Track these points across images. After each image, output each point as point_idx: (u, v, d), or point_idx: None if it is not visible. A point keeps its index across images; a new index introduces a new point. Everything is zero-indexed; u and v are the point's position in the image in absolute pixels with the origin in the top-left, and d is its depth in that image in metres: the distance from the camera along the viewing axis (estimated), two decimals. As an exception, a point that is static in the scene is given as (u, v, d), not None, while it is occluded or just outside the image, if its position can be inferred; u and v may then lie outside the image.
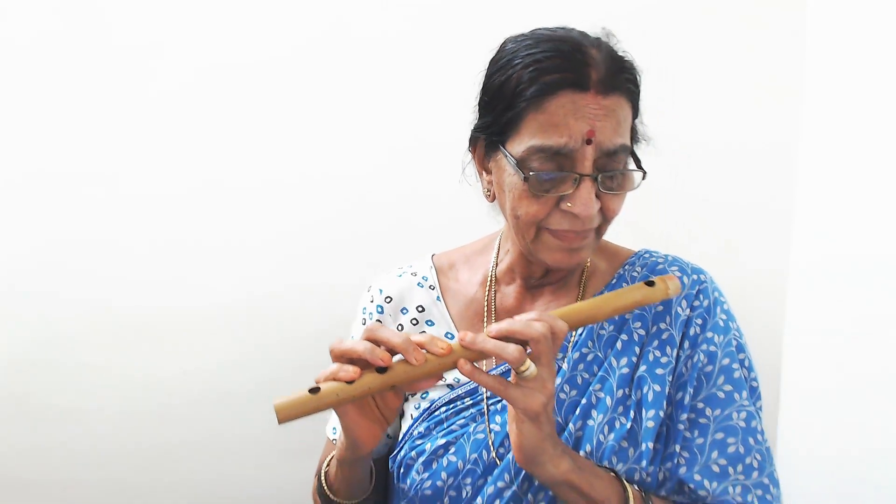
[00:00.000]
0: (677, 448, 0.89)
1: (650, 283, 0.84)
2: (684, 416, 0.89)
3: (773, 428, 1.67)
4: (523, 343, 0.76)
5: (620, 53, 0.87)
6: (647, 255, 0.99)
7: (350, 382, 0.76)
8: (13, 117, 1.60)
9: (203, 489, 1.74)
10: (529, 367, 0.75)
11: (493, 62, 0.90)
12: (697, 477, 0.88)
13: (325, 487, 0.95)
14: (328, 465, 0.97)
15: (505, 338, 0.76)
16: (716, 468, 0.88)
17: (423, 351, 0.77)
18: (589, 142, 0.81)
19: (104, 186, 1.62)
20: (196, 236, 1.66)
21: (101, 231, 1.64)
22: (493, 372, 0.95)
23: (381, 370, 0.77)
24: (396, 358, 0.78)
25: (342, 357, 0.78)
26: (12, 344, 1.66)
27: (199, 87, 1.61)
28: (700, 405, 0.90)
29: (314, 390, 0.76)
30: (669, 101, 1.59)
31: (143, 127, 1.62)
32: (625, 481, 0.85)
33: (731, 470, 0.88)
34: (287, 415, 0.76)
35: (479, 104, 0.91)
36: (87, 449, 1.70)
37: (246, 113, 1.63)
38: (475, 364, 0.77)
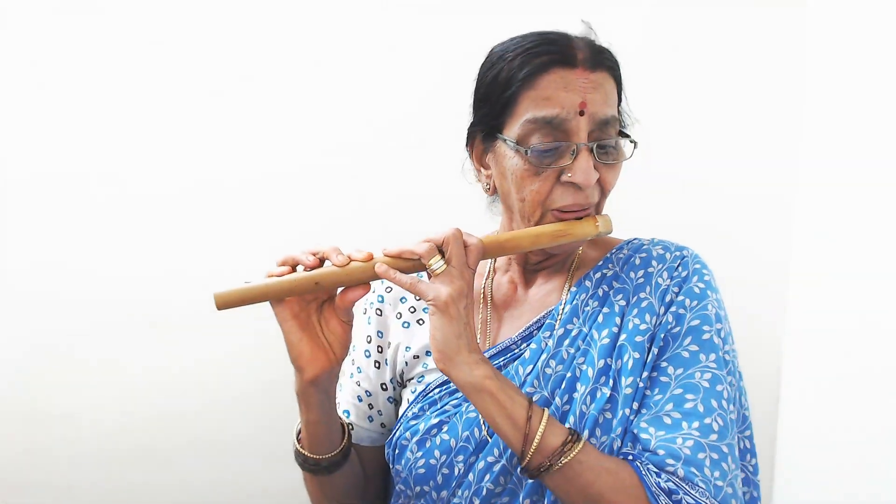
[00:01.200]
0: (635, 405, 0.88)
1: (578, 217, 0.90)
2: (645, 375, 0.89)
3: (773, 427, 1.67)
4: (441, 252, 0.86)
5: (598, 41, 0.94)
6: (634, 241, 1.01)
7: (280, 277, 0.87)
8: (13, 118, 1.62)
9: (203, 489, 1.74)
10: (438, 261, 0.85)
11: (483, 65, 0.96)
12: (643, 425, 0.86)
13: (295, 439, 0.98)
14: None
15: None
16: (667, 420, 0.86)
17: (348, 258, 0.87)
18: (582, 113, 0.87)
19: (104, 186, 1.64)
20: (196, 236, 1.67)
21: (101, 231, 1.65)
22: (492, 350, 0.98)
23: (309, 271, 0.88)
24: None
25: (283, 265, 0.88)
26: (12, 344, 1.67)
27: (200, 86, 1.64)
28: (664, 364, 0.89)
29: (248, 282, 0.87)
30: (671, 102, 1.60)
31: (141, 126, 1.64)
32: (539, 407, 0.85)
33: (684, 424, 0.85)
34: (224, 301, 0.86)
35: (474, 101, 0.97)
36: (88, 449, 1.71)
37: (245, 112, 1.65)
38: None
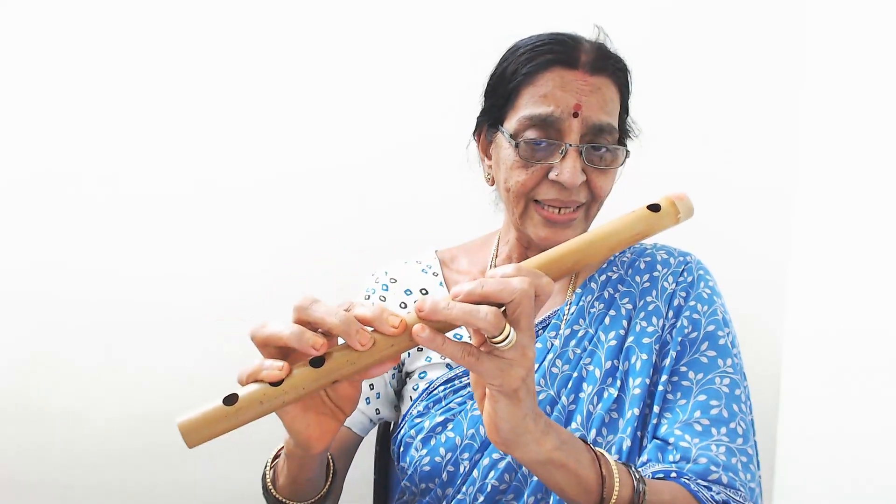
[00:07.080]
0: (657, 409, 0.89)
1: (653, 207, 0.67)
2: (665, 379, 0.90)
3: (773, 426, 1.67)
4: (497, 305, 0.61)
5: (610, 46, 0.94)
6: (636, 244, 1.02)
7: (278, 384, 0.58)
8: (13, 117, 1.61)
9: (203, 489, 1.73)
10: (510, 335, 0.60)
11: (500, 59, 0.98)
12: (678, 432, 0.87)
13: (269, 483, 0.84)
14: (277, 457, 0.85)
15: (477, 301, 0.60)
16: (698, 427, 0.87)
17: (370, 330, 0.61)
18: (576, 115, 0.88)
19: (103, 186, 1.63)
20: (196, 236, 1.67)
21: (101, 231, 1.64)
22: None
23: (318, 362, 0.59)
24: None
25: (266, 346, 0.63)
26: (12, 344, 1.66)
27: (201, 88, 1.63)
28: (683, 369, 0.91)
29: (230, 399, 0.58)
30: (670, 102, 1.61)
31: (142, 126, 1.63)
32: (601, 451, 0.77)
33: (714, 430, 0.87)
34: (198, 437, 0.57)
35: (484, 93, 1.00)
36: (87, 449, 1.69)
37: (240, 112, 1.64)
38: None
